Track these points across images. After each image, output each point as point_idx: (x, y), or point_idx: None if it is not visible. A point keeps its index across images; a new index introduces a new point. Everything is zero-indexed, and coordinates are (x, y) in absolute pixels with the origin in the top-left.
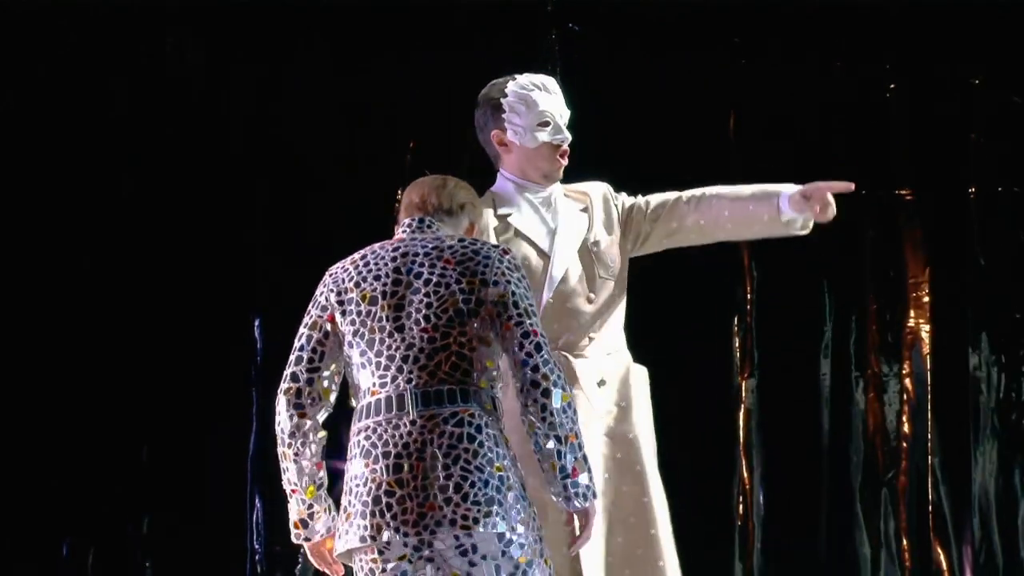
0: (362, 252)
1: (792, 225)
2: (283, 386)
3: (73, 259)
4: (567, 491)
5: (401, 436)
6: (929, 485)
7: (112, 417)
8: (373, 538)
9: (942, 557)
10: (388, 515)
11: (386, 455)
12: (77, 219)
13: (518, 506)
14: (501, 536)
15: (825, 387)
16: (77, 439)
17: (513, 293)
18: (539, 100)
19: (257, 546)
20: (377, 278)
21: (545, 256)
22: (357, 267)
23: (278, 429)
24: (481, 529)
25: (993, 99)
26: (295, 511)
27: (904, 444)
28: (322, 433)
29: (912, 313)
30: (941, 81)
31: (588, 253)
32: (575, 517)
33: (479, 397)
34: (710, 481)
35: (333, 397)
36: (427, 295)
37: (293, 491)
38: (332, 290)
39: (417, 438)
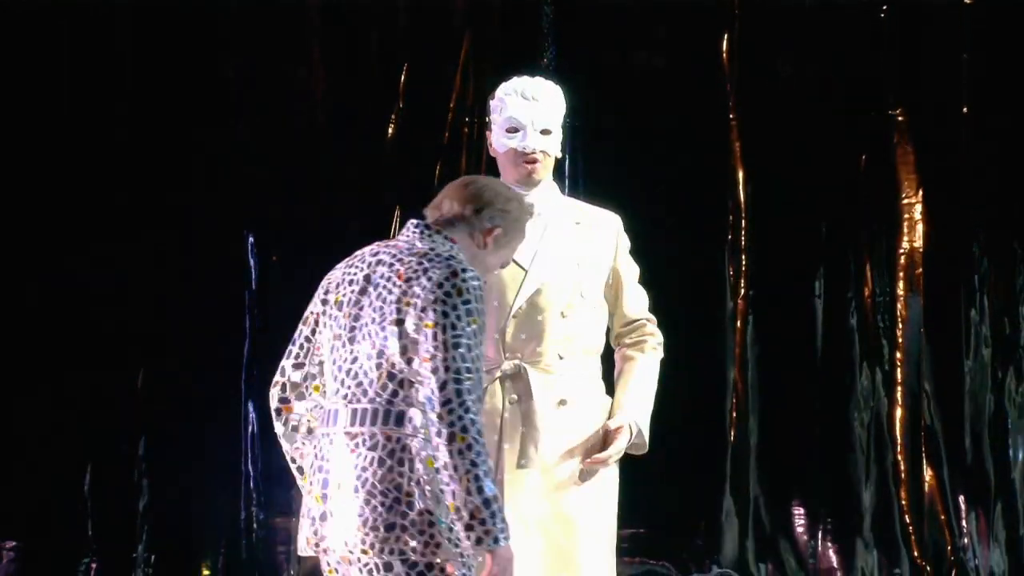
0: (360, 252)
1: None
2: (273, 379)
3: (70, 186)
4: (463, 531)
5: (330, 452)
6: (922, 405)
7: (108, 341)
8: (307, 547)
9: (934, 477)
10: (312, 529)
11: (320, 468)
12: (74, 147)
13: (426, 533)
14: (389, 566)
15: (819, 308)
16: (73, 362)
17: (436, 323)
18: (510, 105)
19: (251, 469)
20: (350, 283)
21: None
22: (345, 268)
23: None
24: (374, 555)
25: (985, 19)
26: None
27: (897, 365)
28: (305, 424)
29: (905, 234)
30: (933, 1)
31: (573, 269)
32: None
33: (405, 418)
34: (704, 403)
35: (321, 393)
36: (375, 309)
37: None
38: (324, 288)
39: (340, 456)
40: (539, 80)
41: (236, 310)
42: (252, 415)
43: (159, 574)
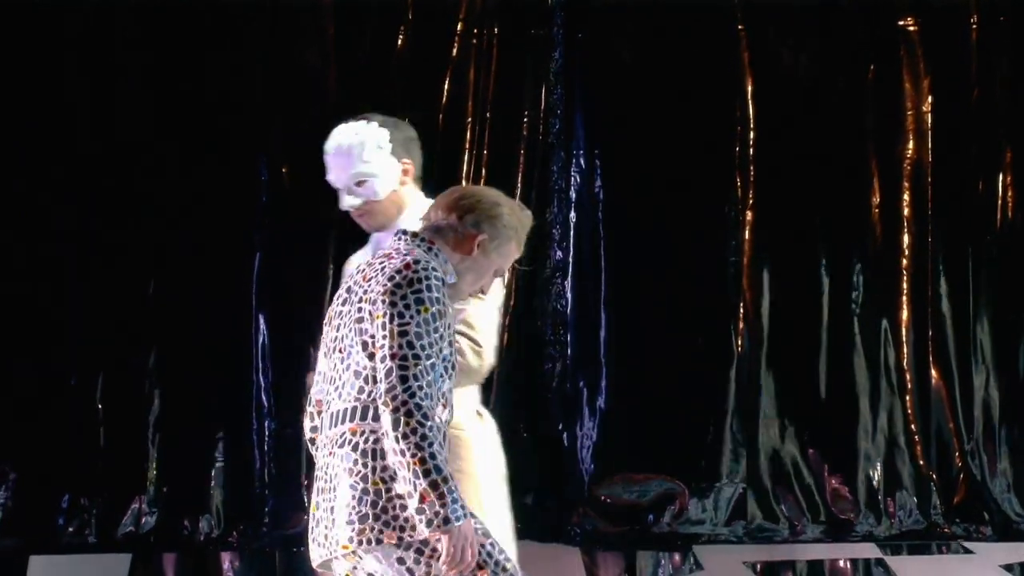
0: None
1: None
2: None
3: (87, 102)
4: (416, 514)
5: (321, 457)
6: (929, 313)
7: (119, 251)
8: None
9: (943, 387)
10: (312, 535)
11: (317, 477)
12: (89, 67)
13: (399, 519)
14: (369, 557)
15: (826, 219)
16: (85, 273)
17: (384, 313)
18: (327, 164)
19: (262, 380)
20: (338, 299)
21: None
22: (341, 290)
23: None
24: (353, 547)
25: None
26: None
27: (904, 276)
28: None
29: (913, 143)
30: None
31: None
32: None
33: (372, 411)
34: (712, 314)
35: None
36: (347, 315)
37: None
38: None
39: (326, 460)
40: (341, 131)
41: (247, 222)
42: (262, 326)
43: (170, 484)
